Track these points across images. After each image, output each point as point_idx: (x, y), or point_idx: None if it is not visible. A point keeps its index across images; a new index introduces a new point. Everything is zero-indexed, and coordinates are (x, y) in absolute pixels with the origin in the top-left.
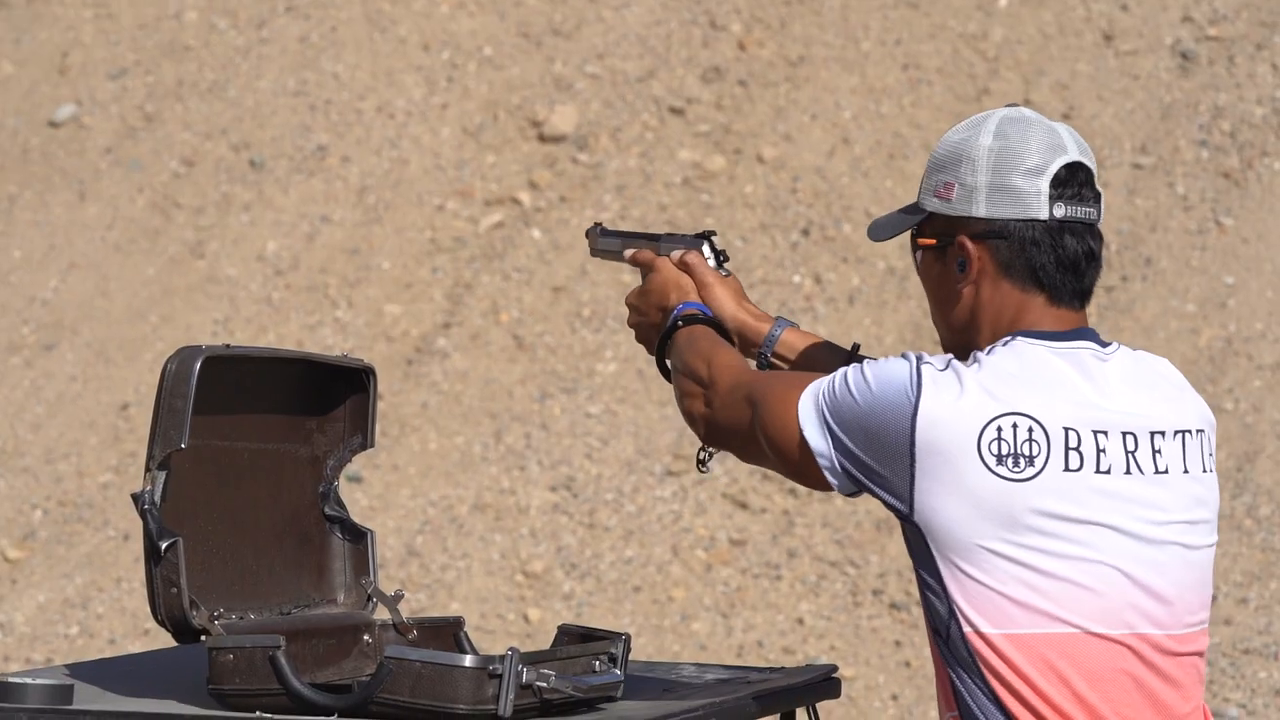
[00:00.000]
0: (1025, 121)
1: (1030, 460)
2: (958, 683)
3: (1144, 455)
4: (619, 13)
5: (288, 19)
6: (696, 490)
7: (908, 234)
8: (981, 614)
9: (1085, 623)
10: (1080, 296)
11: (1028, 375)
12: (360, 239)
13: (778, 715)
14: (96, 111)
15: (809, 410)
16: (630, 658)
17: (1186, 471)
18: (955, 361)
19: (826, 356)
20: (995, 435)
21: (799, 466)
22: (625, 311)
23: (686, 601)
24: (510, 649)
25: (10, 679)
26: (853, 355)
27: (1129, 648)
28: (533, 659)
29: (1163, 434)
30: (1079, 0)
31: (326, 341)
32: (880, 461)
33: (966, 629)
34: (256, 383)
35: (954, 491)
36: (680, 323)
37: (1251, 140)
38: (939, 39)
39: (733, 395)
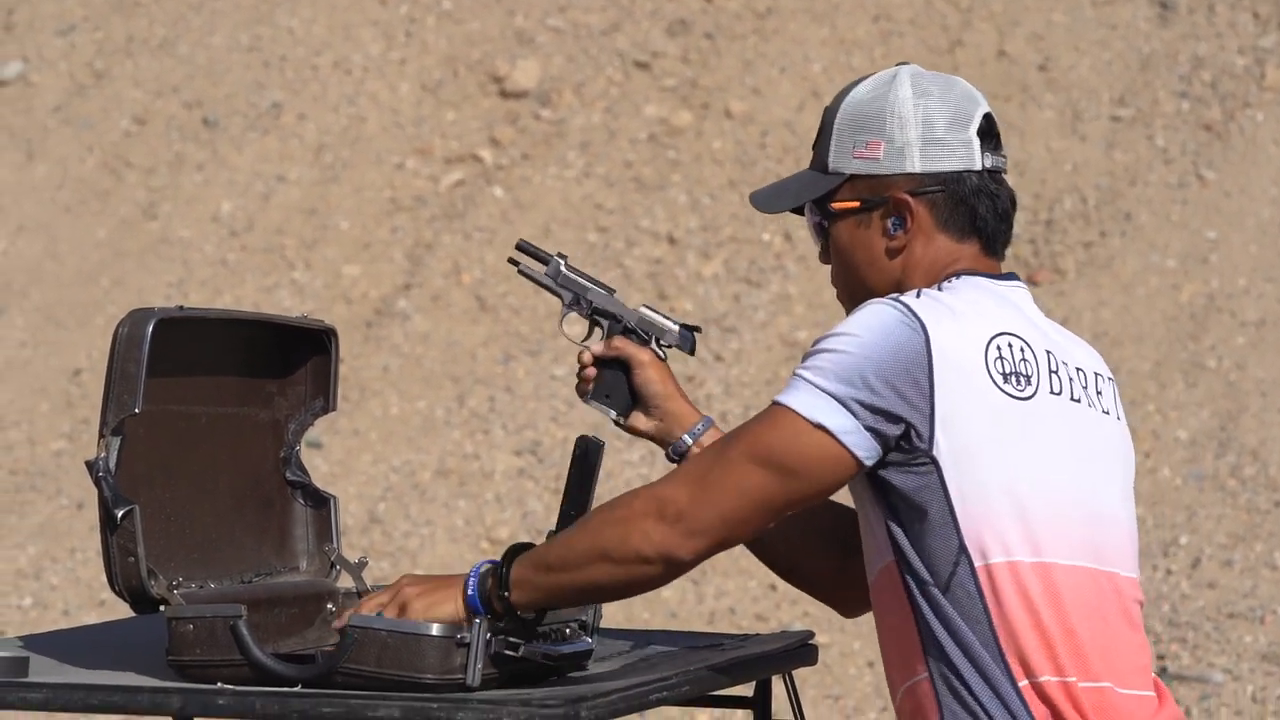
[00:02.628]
0: (935, 76)
1: (1027, 380)
2: (943, 629)
3: (1092, 392)
4: None
5: None
6: None
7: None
8: (995, 542)
9: (1076, 555)
10: (1006, 246)
11: (993, 300)
12: (317, 198)
13: (752, 683)
14: (44, 69)
15: (808, 403)
16: (600, 625)
17: (1119, 418)
18: (924, 292)
19: None
20: (997, 353)
21: (826, 466)
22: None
23: None
24: (478, 617)
25: None
26: None
27: (1103, 585)
28: (501, 628)
29: (1099, 375)
30: None
31: (284, 304)
32: (898, 403)
33: (978, 562)
34: (213, 345)
35: (971, 411)
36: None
37: (1233, 91)
38: None
39: (703, 483)
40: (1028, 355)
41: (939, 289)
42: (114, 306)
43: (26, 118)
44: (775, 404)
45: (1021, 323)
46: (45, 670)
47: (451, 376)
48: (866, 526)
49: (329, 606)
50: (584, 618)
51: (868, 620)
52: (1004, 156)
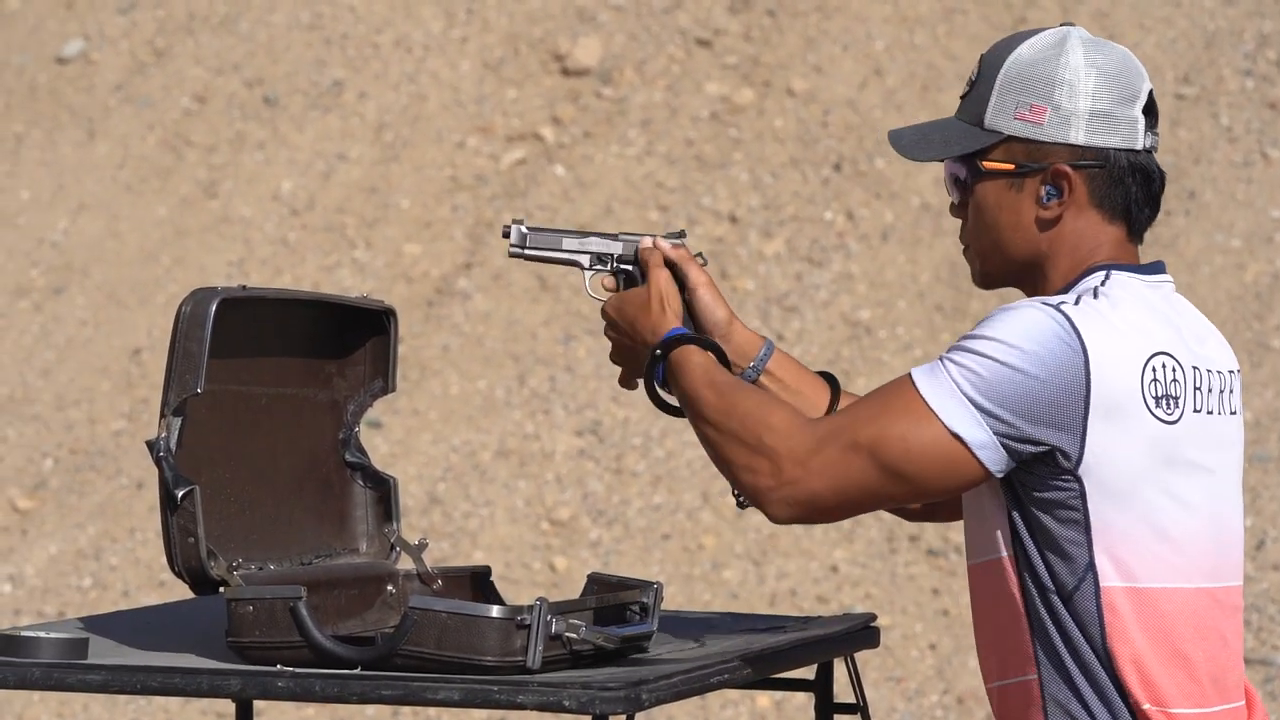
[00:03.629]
0: (1104, 44)
1: (1176, 402)
2: (1060, 640)
3: (1226, 395)
4: None
5: None
6: None
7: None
8: (1125, 566)
9: (1199, 577)
10: (1147, 230)
11: (1149, 311)
12: (378, 177)
13: (813, 666)
14: (105, 47)
15: (949, 407)
16: (661, 608)
17: (1241, 411)
18: (1084, 298)
19: (811, 387)
20: (1153, 375)
21: (951, 475)
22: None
23: (717, 549)
24: (539, 599)
25: (24, 632)
26: (831, 382)
27: (1219, 601)
28: (562, 609)
29: (1233, 373)
30: None
31: (344, 283)
32: (1049, 422)
33: (1105, 583)
34: (274, 325)
35: (1124, 436)
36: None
37: None
38: None
39: (821, 456)
40: (1178, 375)
41: (1095, 295)
42: (175, 285)
43: (87, 96)
44: (918, 395)
45: (1174, 338)
46: (104, 652)
47: (512, 356)
48: (977, 512)
49: (389, 588)
50: (645, 600)
51: (930, 602)
52: (1158, 135)
